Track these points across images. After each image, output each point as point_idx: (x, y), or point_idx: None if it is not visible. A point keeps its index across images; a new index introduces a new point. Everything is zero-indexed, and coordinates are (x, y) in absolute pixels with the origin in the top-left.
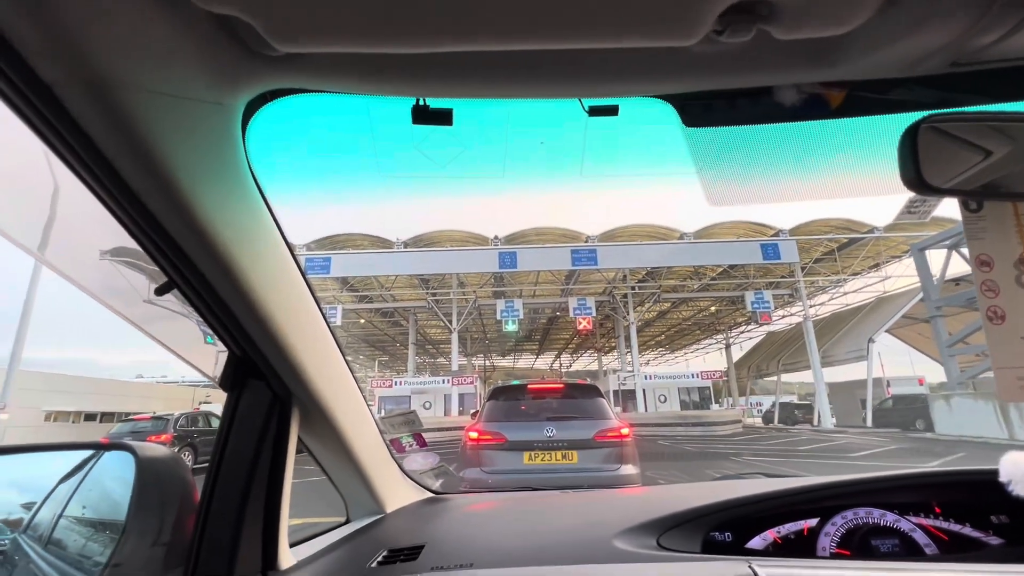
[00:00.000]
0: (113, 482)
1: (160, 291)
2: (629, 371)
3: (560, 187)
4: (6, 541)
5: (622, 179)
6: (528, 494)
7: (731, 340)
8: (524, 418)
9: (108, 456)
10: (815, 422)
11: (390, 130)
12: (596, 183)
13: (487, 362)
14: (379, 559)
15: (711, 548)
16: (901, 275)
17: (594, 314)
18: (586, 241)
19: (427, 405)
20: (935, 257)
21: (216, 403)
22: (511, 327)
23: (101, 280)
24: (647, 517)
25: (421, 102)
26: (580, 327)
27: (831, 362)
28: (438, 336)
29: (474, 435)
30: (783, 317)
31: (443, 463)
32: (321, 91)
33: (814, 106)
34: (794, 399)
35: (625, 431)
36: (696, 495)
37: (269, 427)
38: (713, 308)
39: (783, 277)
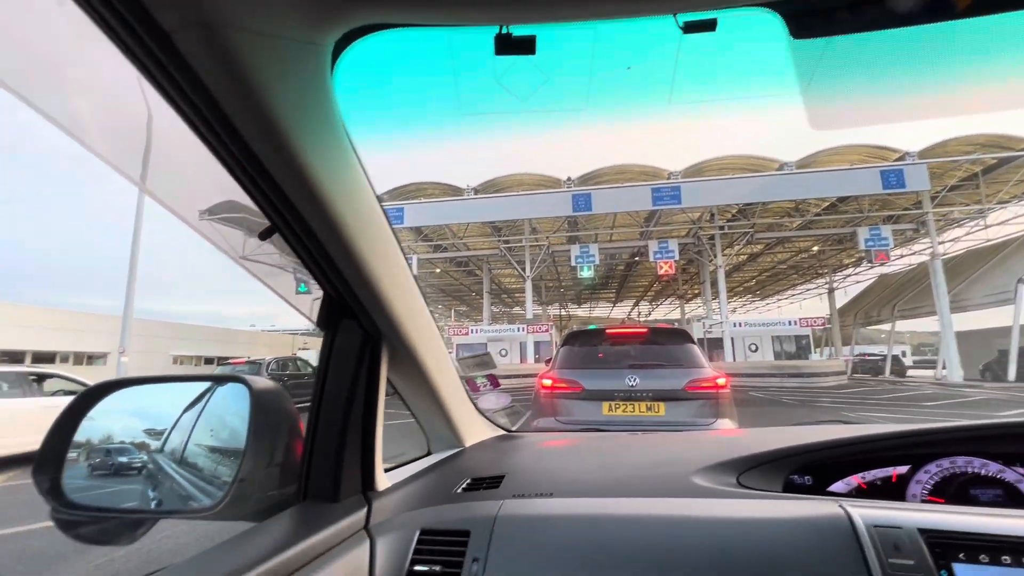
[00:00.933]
0: (229, 411)
1: (263, 235)
2: (716, 319)
3: (646, 118)
4: (147, 460)
5: (715, 105)
6: (602, 434)
7: (835, 284)
8: (603, 365)
9: (225, 388)
10: (937, 375)
11: (466, 68)
12: (685, 111)
13: (562, 311)
14: (464, 486)
15: (791, 490)
16: None
17: (677, 258)
18: (668, 178)
19: (503, 352)
20: None
21: (312, 349)
22: (586, 273)
23: (216, 232)
24: (726, 457)
25: (504, 31)
26: (661, 272)
27: (964, 306)
28: (512, 285)
29: (547, 383)
30: (901, 256)
31: (515, 403)
32: (405, 25)
33: (951, 4)
34: (907, 350)
35: (721, 381)
36: (775, 438)
37: (362, 363)
38: (815, 248)
39: (906, 209)
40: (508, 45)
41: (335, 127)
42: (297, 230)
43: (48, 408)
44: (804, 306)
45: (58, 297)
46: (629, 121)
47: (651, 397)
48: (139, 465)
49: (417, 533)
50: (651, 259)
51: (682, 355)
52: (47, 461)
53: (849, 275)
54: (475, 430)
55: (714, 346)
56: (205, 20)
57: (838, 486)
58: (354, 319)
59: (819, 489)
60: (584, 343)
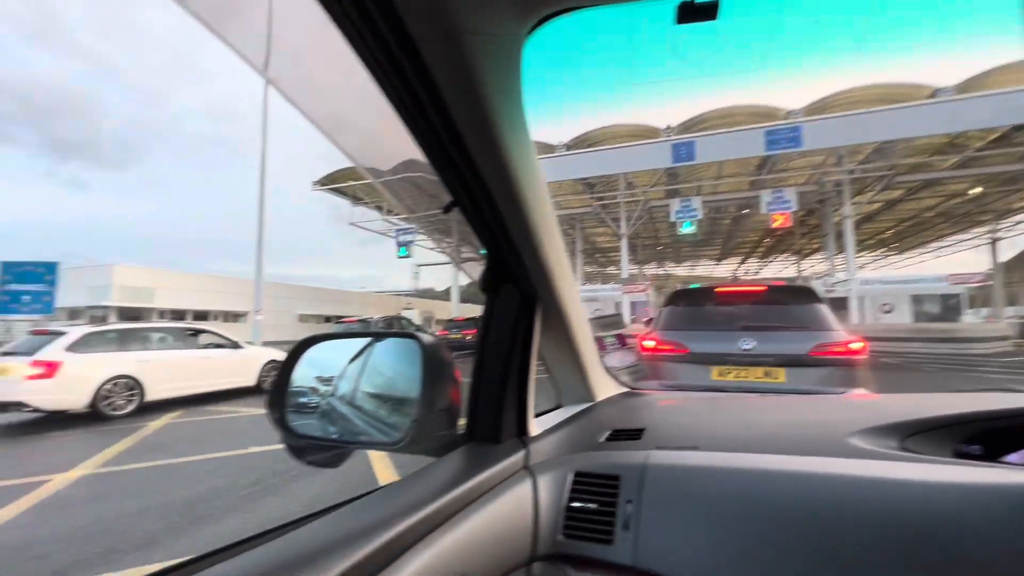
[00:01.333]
0: (395, 361)
1: (447, 209)
2: (840, 276)
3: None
4: (323, 402)
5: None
6: (735, 395)
7: (1000, 233)
8: (712, 327)
9: (392, 342)
10: None
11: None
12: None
13: (659, 270)
14: (606, 436)
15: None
16: None
17: (794, 208)
18: (786, 117)
19: (597, 312)
20: None
21: (415, 309)
22: (687, 229)
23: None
24: (886, 420)
25: None
26: (775, 225)
27: None
28: (606, 244)
29: (650, 344)
30: None
31: (639, 362)
32: (592, 5)
33: None
34: None
35: (856, 345)
36: (940, 404)
37: (520, 323)
38: (975, 191)
39: None
40: (691, 12)
41: (520, 103)
42: (481, 204)
43: (202, 358)
44: (955, 260)
45: (208, 264)
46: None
47: (769, 362)
48: (315, 405)
49: (572, 474)
50: (763, 211)
51: (807, 316)
52: (274, 400)
53: (1021, 222)
54: (604, 386)
55: (836, 307)
56: (448, 27)
57: (1013, 458)
58: (512, 283)
59: (992, 460)
60: (690, 303)
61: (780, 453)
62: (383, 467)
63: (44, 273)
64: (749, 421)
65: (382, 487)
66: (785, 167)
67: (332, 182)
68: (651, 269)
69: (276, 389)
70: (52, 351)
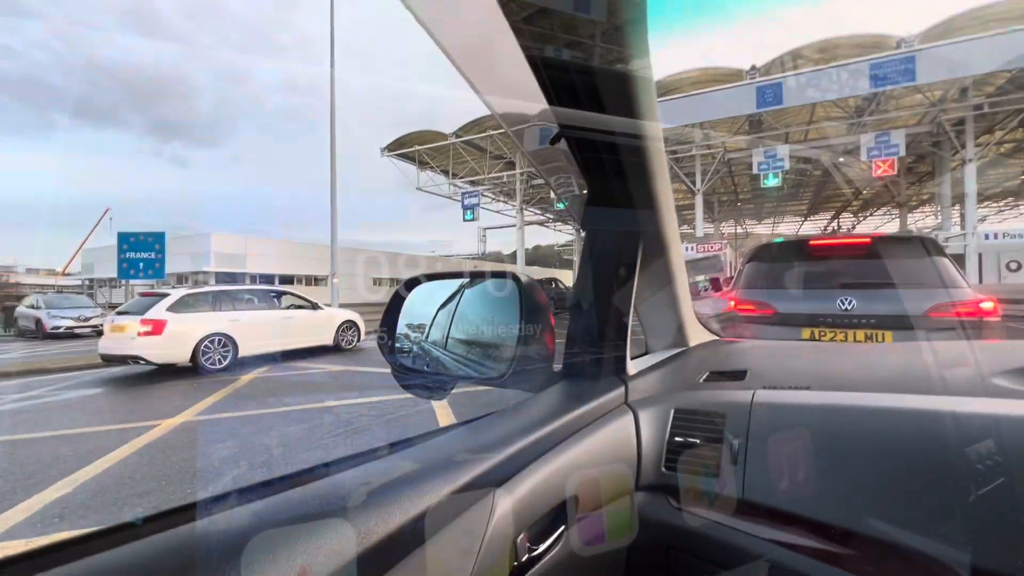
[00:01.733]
0: (476, 310)
1: (554, 141)
2: (955, 231)
3: None
4: (415, 347)
5: None
6: (841, 343)
7: None
8: (804, 284)
9: (473, 291)
10: None
11: None
12: None
13: (738, 228)
14: (705, 376)
15: None
16: None
17: (901, 154)
18: (897, 47)
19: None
20: None
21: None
22: (772, 182)
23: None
24: None
25: None
26: (877, 173)
27: None
28: (680, 201)
29: (729, 303)
30: None
31: (732, 311)
32: None
33: None
34: None
35: (988, 305)
36: None
37: (620, 261)
38: None
39: None
40: None
41: (646, 27)
42: (594, 132)
43: (285, 318)
44: None
45: (292, 231)
46: None
47: (873, 324)
48: (408, 349)
49: (672, 411)
50: (863, 158)
51: (924, 271)
52: (384, 336)
53: None
54: (696, 333)
55: None
56: None
57: None
58: (612, 219)
59: None
60: (777, 259)
61: (909, 393)
62: (447, 423)
63: (154, 242)
64: (867, 363)
65: (492, 413)
66: (889, 108)
67: (400, 147)
68: (728, 227)
69: (384, 325)
70: (158, 311)
